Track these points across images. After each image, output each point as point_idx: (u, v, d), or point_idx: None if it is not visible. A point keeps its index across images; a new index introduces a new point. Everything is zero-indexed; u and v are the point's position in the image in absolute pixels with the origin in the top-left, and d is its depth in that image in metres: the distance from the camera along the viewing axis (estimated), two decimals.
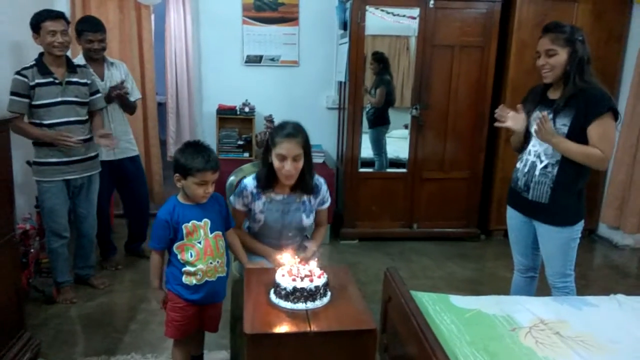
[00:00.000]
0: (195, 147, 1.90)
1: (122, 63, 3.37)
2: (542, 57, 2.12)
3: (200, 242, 1.90)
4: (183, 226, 1.89)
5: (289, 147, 1.99)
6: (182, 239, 1.89)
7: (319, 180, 2.21)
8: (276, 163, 2.02)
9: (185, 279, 1.91)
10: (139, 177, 3.44)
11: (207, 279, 1.92)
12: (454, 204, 4.06)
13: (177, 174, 1.89)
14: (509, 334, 1.78)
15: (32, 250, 2.92)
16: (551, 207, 2.15)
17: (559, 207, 2.15)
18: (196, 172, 1.85)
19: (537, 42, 2.14)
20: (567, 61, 2.07)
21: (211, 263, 1.92)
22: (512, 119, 2.23)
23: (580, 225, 2.19)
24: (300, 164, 2.04)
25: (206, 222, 1.92)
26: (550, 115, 2.12)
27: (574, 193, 2.15)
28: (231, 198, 2.18)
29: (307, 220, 2.19)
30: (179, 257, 1.90)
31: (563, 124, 2.09)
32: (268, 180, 2.09)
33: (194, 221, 1.90)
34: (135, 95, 3.39)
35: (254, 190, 2.12)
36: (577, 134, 2.06)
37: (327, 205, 2.25)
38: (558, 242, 2.20)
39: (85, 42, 3.07)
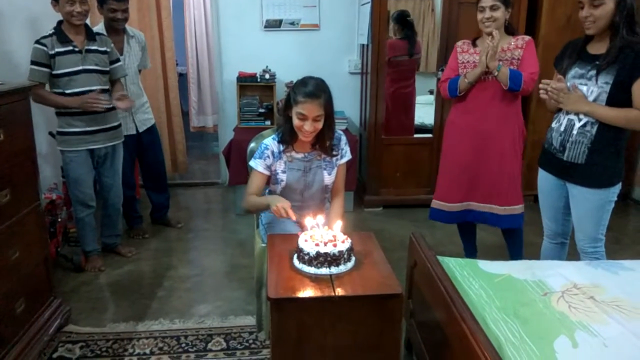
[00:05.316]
0: None
1: (141, 33, 3.34)
2: (585, 7, 1.94)
3: None
4: None
5: (310, 107, 1.91)
6: None
7: (338, 133, 2.12)
8: (296, 121, 1.96)
9: None
10: (155, 145, 3.44)
11: None
12: None
13: None
14: (541, 298, 1.72)
15: (59, 220, 2.97)
16: (588, 168, 2.04)
17: (595, 168, 2.04)
18: None
19: None
20: (614, 11, 1.90)
21: None
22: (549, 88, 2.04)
23: (617, 188, 2.08)
24: (320, 124, 1.97)
25: None
26: (593, 73, 1.98)
27: (613, 153, 2.03)
28: (251, 162, 2.11)
29: (329, 178, 2.13)
30: None
31: (605, 81, 1.95)
32: (290, 135, 2.03)
33: None
34: (146, 65, 3.41)
35: (275, 149, 2.07)
36: (620, 92, 1.92)
37: (346, 159, 2.16)
38: (592, 205, 2.09)
39: (108, 12, 3.00)
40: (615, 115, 1.95)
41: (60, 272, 2.85)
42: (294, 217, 1.91)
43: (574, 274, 1.88)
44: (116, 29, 3.07)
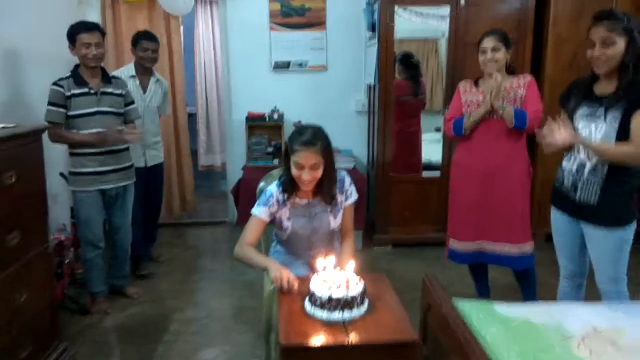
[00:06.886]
0: None
1: (165, 81, 3.55)
2: (597, 47, 1.96)
3: None
4: None
5: (306, 156, 1.88)
6: None
7: (341, 174, 2.08)
8: (294, 171, 1.93)
9: None
10: (159, 185, 3.57)
11: None
12: None
13: None
14: (561, 344, 1.66)
15: (67, 261, 2.95)
16: (601, 208, 2.02)
17: (609, 208, 2.01)
18: None
19: (590, 32, 1.99)
20: (624, 52, 1.92)
21: None
22: (557, 134, 2.01)
23: (633, 226, 2.05)
24: (319, 172, 1.93)
25: None
26: (601, 111, 1.99)
27: (626, 192, 2.01)
28: (254, 210, 2.06)
29: (335, 222, 2.09)
30: None
31: (614, 117, 1.95)
32: (291, 185, 2.00)
33: None
34: (166, 110, 3.62)
35: (280, 197, 2.04)
36: (628, 128, 1.92)
37: (352, 200, 2.12)
38: (609, 245, 2.05)
39: (140, 51, 3.23)
40: (614, 152, 1.94)
41: (65, 315, 2.80)
42: (297, 289, 1.79)
43: (593, 318, 1.82)
44: (145, 67, 3.28)
